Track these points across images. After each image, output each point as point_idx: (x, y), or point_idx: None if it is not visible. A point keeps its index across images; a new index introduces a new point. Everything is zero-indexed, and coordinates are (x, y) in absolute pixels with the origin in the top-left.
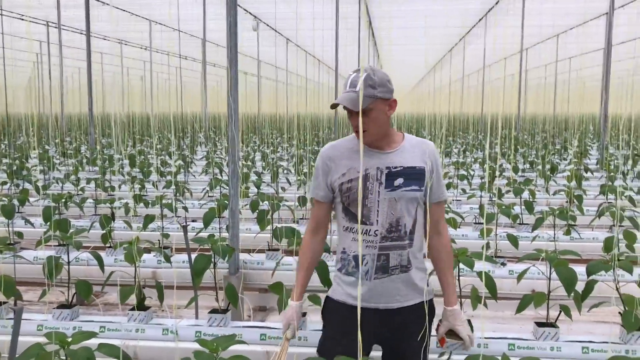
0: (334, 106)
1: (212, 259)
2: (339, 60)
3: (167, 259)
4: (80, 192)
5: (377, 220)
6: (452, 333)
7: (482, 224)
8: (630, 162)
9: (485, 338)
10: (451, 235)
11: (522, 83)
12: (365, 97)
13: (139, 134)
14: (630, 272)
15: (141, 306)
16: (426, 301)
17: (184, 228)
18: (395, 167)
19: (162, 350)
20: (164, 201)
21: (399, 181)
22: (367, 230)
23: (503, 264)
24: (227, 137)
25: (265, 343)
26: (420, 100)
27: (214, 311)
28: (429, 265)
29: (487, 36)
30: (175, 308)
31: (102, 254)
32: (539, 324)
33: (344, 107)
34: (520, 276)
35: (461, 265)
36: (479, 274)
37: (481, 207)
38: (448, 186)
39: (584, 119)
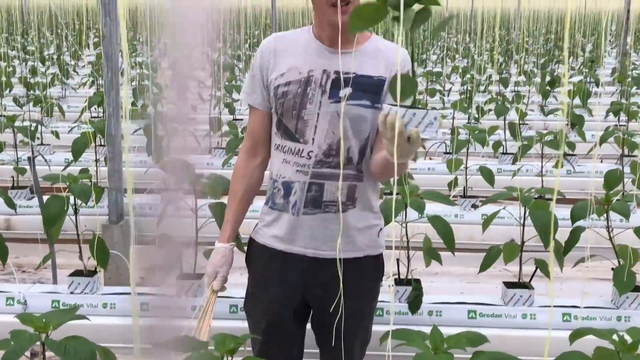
0: None
1: (74, 203)
2: None
3: (11, 203)
4: None
5: (312, 139)
6: None
7: (452, 153)
8: None
9: (438, 303)
10: (413, 169)
11: None
12: None
13: (5, 30)
14: (627, 216)
15: None
16: (373, 256)
17: (30, 160)
18: (346, 73)
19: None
20: (18, 123)
21: (346, 91)
22: (299, 150)
23: (474, 206)
24: (102, 31)
25: (148, 314)
26: None
27: (77, 273)
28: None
29: None
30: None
31: None
32: (509, 285)
33: None
34: (486, 223)
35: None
36: (431, 218)
37: (453, 131)
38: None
39: (609, 17)
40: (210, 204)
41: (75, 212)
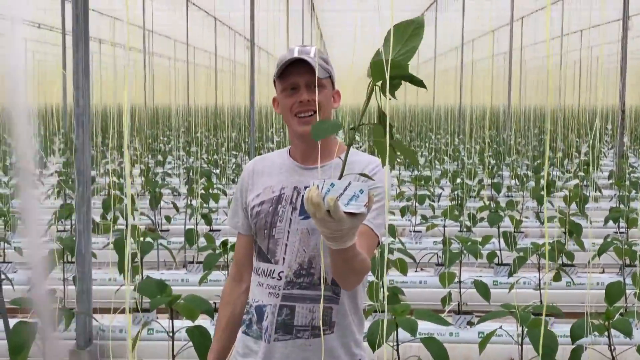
0: (284, 74)
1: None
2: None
3: None
4: None
5: (283, 258)
6: None
7: (445, 265)
8: None
9: None
10: (404, 282)
11: (515, 65)
12: (320, 68)
13: None
14: (629, 334)
15: None
16: None
17: None
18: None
19: None
20: None
21: None
22: (271, 270)
23: (470, 323)
24: (74, 144)
25: None
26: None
27: None
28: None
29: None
30: None
31: None
32: None
33: (279, 80)
34: (483, 342)
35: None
36: (425, 340)
37: (445, 241)
38: (404, 211)
39: (603, 113)
40: (188, 328)
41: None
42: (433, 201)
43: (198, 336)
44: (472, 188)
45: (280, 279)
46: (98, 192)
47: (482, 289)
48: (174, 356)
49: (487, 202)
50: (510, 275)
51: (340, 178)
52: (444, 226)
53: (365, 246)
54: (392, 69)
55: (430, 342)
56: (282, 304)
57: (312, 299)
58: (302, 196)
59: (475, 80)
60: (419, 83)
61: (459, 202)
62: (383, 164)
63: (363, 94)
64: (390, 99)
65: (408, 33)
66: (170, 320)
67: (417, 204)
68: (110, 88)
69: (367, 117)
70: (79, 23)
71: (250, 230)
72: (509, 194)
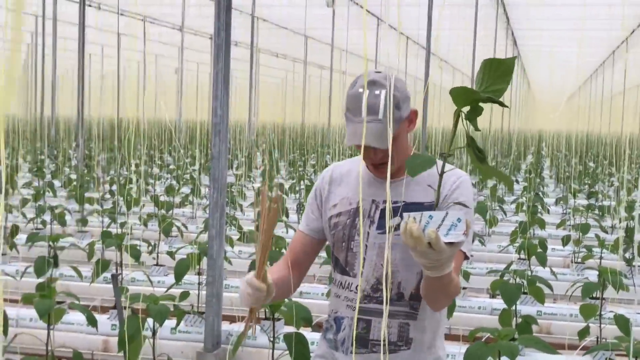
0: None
1: (152, 325)
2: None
3: (92, 320)
4: None
5: (361, 272)
6: None
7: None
8: None
9: None
10: (552, 315)
11: None
12: (394, 121)
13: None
14: None
15: None
16: None
17: (114, 278)
18: (395, 202)
19: None
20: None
21: (396, 221)
22: (349, 283)
23: None
24: (211, 152)
25: None
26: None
27: None
28: (454, 349)
29: None
30: None
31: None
32: None
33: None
34: None
35: None
36: None
37: (600, 273)
38: (566, 240)
39: None
40: (286, 334)
41: (153, 334)
42: (605, 232)
43: (297, 343)
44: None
45: (357, 292)
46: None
47: (623, 323)
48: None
49: None
50: None
51: (436, 206)
52: (600, 257)
53: (456, 268)
54: (473, 100)
55: None
56: (359, 317)
57: (389, 315)
58: (381, 210)
59: None
60: (500, 103)
61: (627, 234)
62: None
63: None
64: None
65: (499, 71)
66: (272, 326)
67: (580, 234)
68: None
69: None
70: (220, 35)
71: (316, 234)
72: None
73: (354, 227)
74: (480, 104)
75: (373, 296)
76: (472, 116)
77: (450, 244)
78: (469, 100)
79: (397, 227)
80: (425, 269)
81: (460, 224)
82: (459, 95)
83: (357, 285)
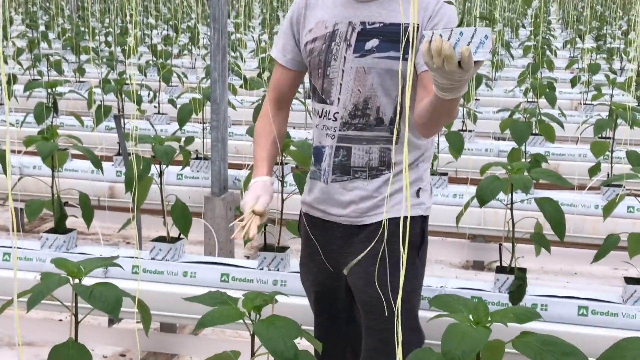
0: None
1: (158, 167)
2: None
3: (97, 163)
4: None
5: (338, 99)
6: None
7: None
8: None
9: (543, 296)
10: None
11: None
12: None
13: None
14: None
15: (61, 228)
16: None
17: (117, 119)
18: (372, 23)
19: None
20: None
21: (373, 43)
22: (327, 112)
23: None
24: None
25: (227, 287)
26: None
27: (160, 239)
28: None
29: None
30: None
31: None
32: (630, 280)
33: None
34: (608, 209)
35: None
36: (540, 200)
37: (610, 113)
38: (574, 81)
39: None
40: (295, 173)
41: (160, 175)
42: (615, 73)
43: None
44: None
45: (336, 120)
46: None
47: (635, 159)
48: (282, 200)
49: None
50: None
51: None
52: (611, 96)
53: None
54: None
55: (545, 202)
56: (338, 145)
57: (368, 140)
58: (357, 32)
59: None
60: None
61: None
62: None
63: None
64: None
65: None
66: (282, 169)
67: (590, 74)
68: None
69: None
70: None
71: (298, 66)
72: None
73: (329, 52)
74: None
75: (351, 123)
76: None
77: (475, 62)
78: None
79: (371, 50)
80: (442, 90)
81: (487, 41)
82: None
83: (335, 113)
